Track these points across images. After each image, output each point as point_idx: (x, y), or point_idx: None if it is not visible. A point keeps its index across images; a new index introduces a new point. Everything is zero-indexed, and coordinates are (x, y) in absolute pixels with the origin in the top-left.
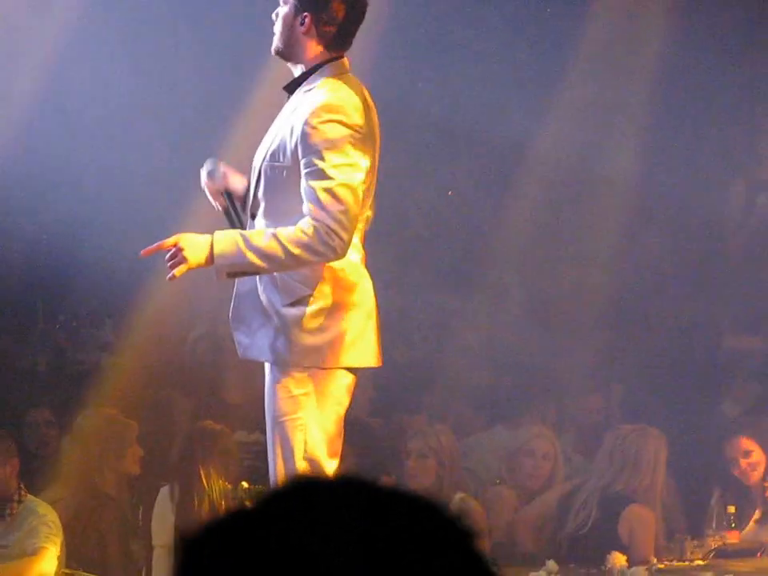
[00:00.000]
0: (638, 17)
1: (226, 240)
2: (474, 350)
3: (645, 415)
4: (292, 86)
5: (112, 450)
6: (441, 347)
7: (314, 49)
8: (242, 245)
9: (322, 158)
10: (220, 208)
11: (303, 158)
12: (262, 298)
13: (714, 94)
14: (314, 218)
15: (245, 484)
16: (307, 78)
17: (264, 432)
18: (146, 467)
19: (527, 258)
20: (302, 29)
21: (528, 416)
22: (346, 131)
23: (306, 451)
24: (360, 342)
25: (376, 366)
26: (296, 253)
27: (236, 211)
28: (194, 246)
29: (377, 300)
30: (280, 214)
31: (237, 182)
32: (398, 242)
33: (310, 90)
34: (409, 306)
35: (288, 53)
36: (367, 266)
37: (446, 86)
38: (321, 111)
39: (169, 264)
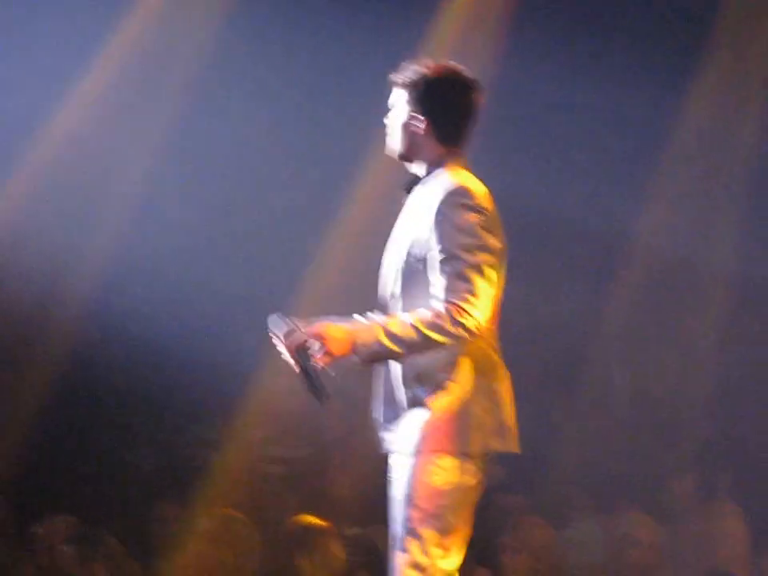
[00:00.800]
0: (733, 102)
1: (367, 330)
2: (578, 440)
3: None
4: (412, 185)
5: (232, 552)
6: (545, 441)
7: (432, 148)
8: (380, 334)
9: (451, 242)
10: (297, 368)
11: (435, 243)
12: (407, 393)
13: None
14: (445, 300)
15: None
16: (430, 173)
17: (363, 526)
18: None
19: (631, 352)
20: (420, 131)
21: (627, 504)
22: (473, 214)
23: (439, 537)
24: (501, 428)
25: (516, 452)
26: (430, 335)
27: (310, 369)
28: (338, 337)
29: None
30: (420, 307)
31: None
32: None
33: (427, 182)
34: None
35: (409, 155)
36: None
37: (543, 177)
38: (448, 197)
39: (317, 356)
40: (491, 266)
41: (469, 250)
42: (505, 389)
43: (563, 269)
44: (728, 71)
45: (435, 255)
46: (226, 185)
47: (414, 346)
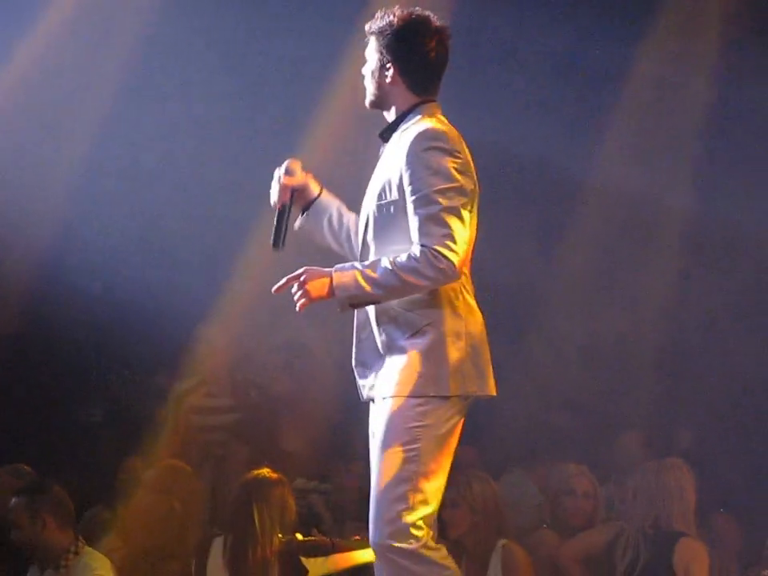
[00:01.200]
0: (687, 48)
1: (345, 273)
2: (526, 392)
3: (697, 456)
4: (387, 133)
5: (176, 502)
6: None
7: (404, 96)
8: (359, 277)
9: (426, 184)
10: (278, 206)
11: (408, 185)
12: (382, 337)
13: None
14: (421, 244)
15: (299, 536)
16: (401, 122)
17: (322, 480)
18: (213, 517)
19: (582, 306)
20: (389, 79)
21: (569, 456)
22: (447, 157)
23: (417, 481)
24: (477, 371)
25: (493, 395)
26: (408, 279)
27: (288, 214)
28: (316, 280)
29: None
30: (390, 253)
31: (312, 186)
32: None
33: (406, 129)
34: None
35: (380, 103)
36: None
37: (497, 143)
38: (422, 139)
39: (295, 298)
40: (466, 209)
41: (444, 193)
42: (481, 331)
43: (513, 221)
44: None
45: (409, 197)
46: (176, 138)
47: (393, 289)
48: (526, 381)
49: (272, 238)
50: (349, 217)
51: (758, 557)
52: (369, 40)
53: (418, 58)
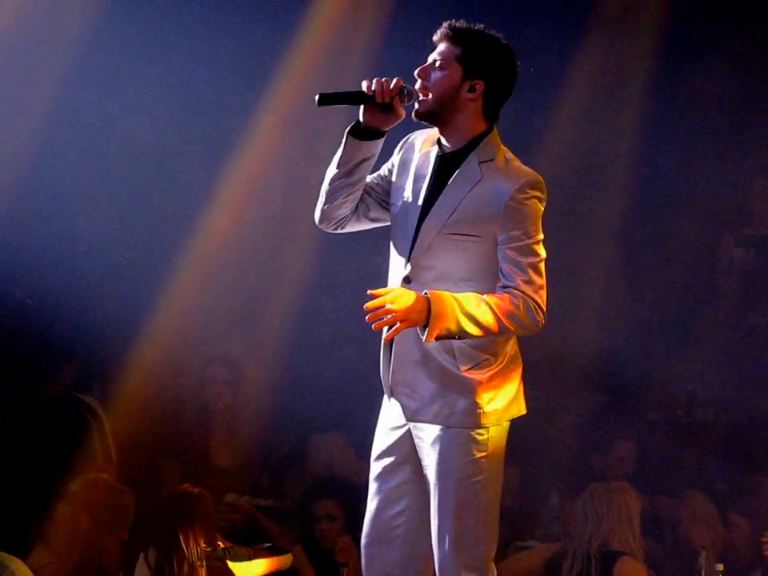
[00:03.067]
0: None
1: (443, 302)
2: None
3: (631, 474)
4: (461, 152)
5: (105, 516)
6: None
7: (475, 116)
8: (457, 309)
9: (528, 234)
10: (368, 89)
11: (508, 231)
12: (436, 364)
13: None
14: (522, 292)
15: (221, 543)
16: (479, 144)
17: (254, 496)
18: (136, 532)
19: None
20: (471, 95)
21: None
22: (541, 208)
23: (487, 511)
24: (520, 394)
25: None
26: (506, 324)
27: (359, 100)
28: (410, 305)
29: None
30: (452, 281)
31: (391, 123)
32: None
33: (488, 161)
34: None
35: (442, 117)
36: None
37: None
38: (527, 188)
39: (387, 318)
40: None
41: (540, 244)
42: (520, 360)
43: None
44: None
45: (507, 242)
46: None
47: (489, 331)
48: None
49: (329, 93)
50: (359, 186)
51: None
52: (446, 45)
53: (506, 81)
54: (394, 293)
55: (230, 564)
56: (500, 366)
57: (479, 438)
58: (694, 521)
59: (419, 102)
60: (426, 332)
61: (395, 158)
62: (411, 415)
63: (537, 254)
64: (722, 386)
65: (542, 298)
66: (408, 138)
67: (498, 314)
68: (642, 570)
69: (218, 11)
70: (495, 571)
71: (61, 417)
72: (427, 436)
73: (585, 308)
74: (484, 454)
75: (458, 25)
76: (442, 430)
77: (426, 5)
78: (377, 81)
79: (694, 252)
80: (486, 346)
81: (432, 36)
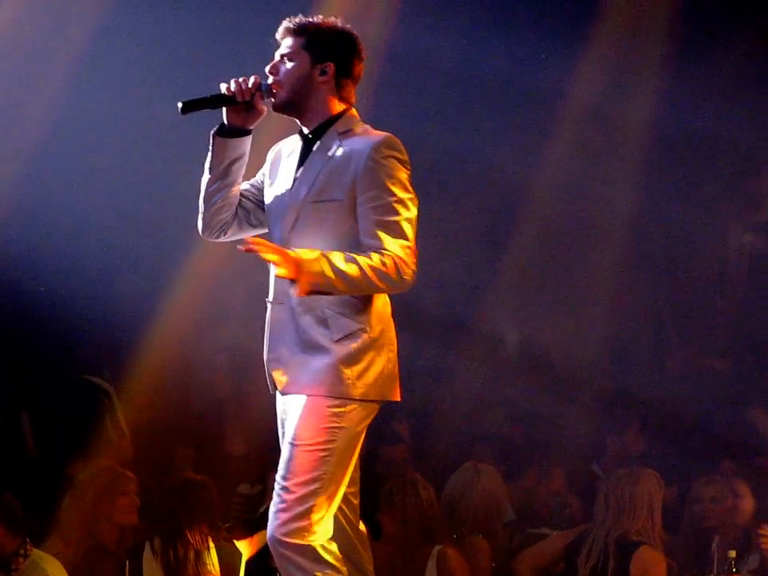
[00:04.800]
0: (627, 64)
1: (312, 257)
2: (469, 399)
3: (645, 461)
4: (317, 133)
5: (107, 502)
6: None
7: (330, 99)
8: (325, 264)
9: (387, 192)
10: (227, 91)
11: (366, 191)
12: (305, 336)
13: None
14: (386, 250)
15: (221, 524)
16: (336, 122)
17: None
18: (147, 520)
19: (524, 306)
20: (323, 78)
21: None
22: (403, 167)
23: (327, 481)
24: (393, 377)
25: (399, 400)
26: (375, 281)
27: (220, 103)
28: (288, 255)
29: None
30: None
31: (253, 120)
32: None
33: (347, 132)
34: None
35: (296, 104)
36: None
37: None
38: (382, 148)
39: (267, 255)
40: (416, 218)
41: (404, 203)
42: (395, 338)
43: (462, 220)
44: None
45: (366, 203)
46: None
47: (357, 286)
48: (465, 383)
49: (190, 100)
50: (235, 188)
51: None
52: (291, 38)
53: (352, 60)
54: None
55: (236, 543)
56: (373, 342)
57: (338, 409)
58: (709, 506)
59: (274, 96)
60: (296, 286)
61: (266, 165)
62: (281, 387)
63: (398, 212)
64: None
65: (408, 255)
66: (275, 147)
67: (366, 270)
68: (660, 560)
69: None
70: (323, 539)
71: (73, 401)
72: (292, 407)
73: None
74: (339, 425)
75: (297, 19)
76: (306, 399)
77: None
78: (235, 81)
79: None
80: (357, 315)
81: (274, 35)
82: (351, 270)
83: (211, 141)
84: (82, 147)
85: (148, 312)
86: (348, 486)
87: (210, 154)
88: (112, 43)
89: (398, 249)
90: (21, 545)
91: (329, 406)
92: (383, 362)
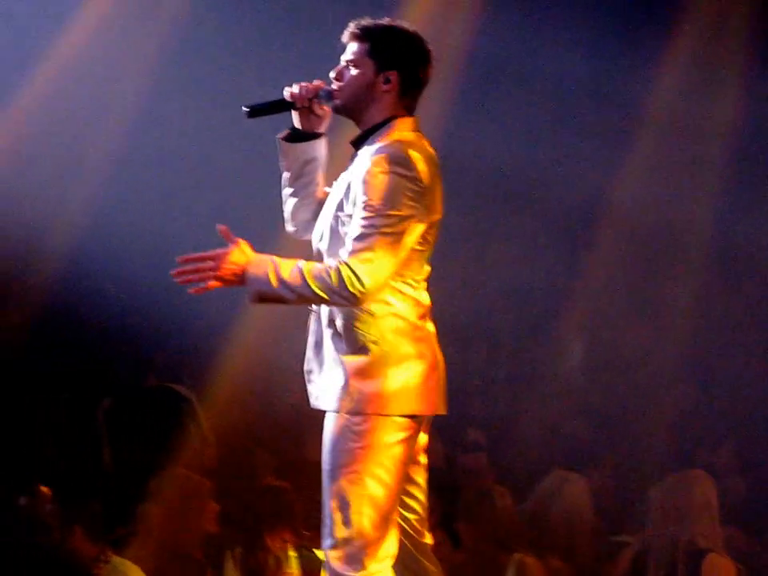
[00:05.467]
0: (708, 70)
1: (260, 265)
2: (547, 402)
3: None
4: (358, 142)
5: (188, 509)
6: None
7: (392, 108)
8: (271, 273)
9: (372, 206)
10: (289, 96)
11: (355, 202)
12: (328, 348)
13: None
14: (342, 261)
15: (306, 533)
16: (377, 131)
17: None
18: (224, 527)
19: (604, 313)
20: (386, 87)
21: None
22: (404, 183)
23: (362, 505)
24: (423, 391)
25: (438, 413)
26: (316, 291)
27: (284, 109)
28: (232, 264)
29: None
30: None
31: (324, 124)
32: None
33: (373, 143)
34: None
35: (354, 110)
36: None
37: (526, 144)
38: (383, 161)
39: (202, 274)
40: (406, 237)
41: (386, 217)
42: (430, 352)
43: (541, 233)
44: (702, 41)
45: (355, 213)
46: (204, 136)
47: (300, 296)
48: (547, 391)
49: (255, 104)
50: (312, 189)
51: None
52: (356, 43)
53: (418, 68)
54: (216, 251)
55: (316, 551)
56: (388, 356)
57: (356, 427)
58: None
59: (335, 102)
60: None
61: None
62: (313, 402)
63: (374, 226)
64: None
65: (365, 269)
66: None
67: (308, 279)
68: (730, 567)
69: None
70: (373, 568)
71: (154, 409)
72: (325, 423)
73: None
74: (360, 444)
75: (363, 22)
76: (329, 414)
77: None
78: (296, 86)
79: None
80: (370, 330)
81: (341, 38)
82: (294, 278)
83: (278, 145)
84: (162, 160)
85: (226, 319)
86: (408, 498)
87: (280, 157)
88: (183, 60)
89: (354, 260)
90: (101, 551)
91: (345, 424)
92: (404, 375)
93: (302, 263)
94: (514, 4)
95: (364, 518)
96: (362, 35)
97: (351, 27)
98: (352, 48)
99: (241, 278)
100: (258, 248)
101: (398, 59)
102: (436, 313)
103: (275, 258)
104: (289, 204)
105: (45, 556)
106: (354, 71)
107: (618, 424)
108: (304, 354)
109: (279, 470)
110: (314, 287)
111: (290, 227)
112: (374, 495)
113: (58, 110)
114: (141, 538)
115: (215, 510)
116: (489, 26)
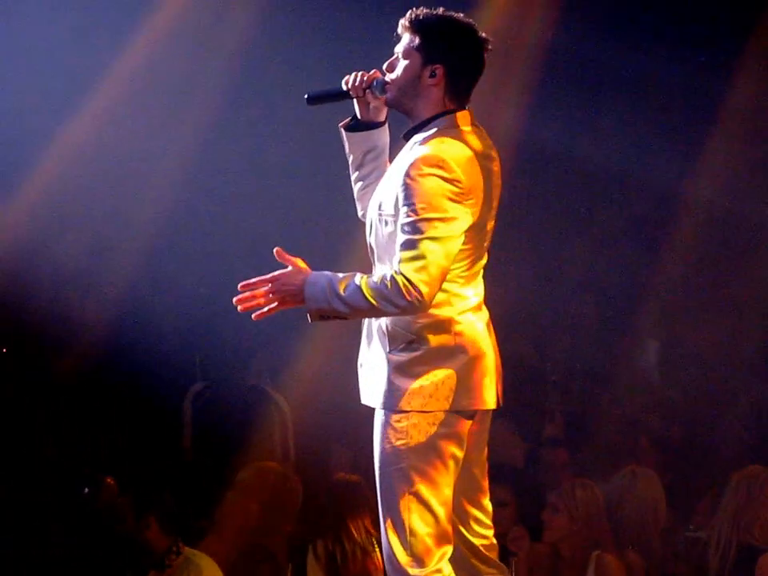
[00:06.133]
0: None
1: (317, 283)
2: (627, 401)
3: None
4: (408, 135)
5: (274, 504)
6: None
7: (441, 102)
8: (328, 291)
9: (414, 211)
10: (346, 85)
11: (399, 208)
12: (374, 347)
13: None
14: (396, 270)
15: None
16: (424, 127)
17: None
18: (303, 522)
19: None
20: (432, 80)
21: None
22: (443, 185)
23: (410, 502)
24: (469, 385)
25: (484, 408)
26: (375, 303)
27: (341, 98)
28: (290, 286)
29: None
30: (385, 262)
31: (382, 114)
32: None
33: (417, 142)
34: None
35: (405, 103)
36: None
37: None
38: (420, 163)
39: (261, 300)
40: (453, 239)
41: (430, 222)
42: (475, 345)
43: (620, 226)
44: None
45: (399, 219)
46: (252, 181)
47: (359, 311)
48: (622, 385)
49: (315, 92)
50: (381, 176)
51: None
52: (407, 35)
53: (468, 62)
54: (274, 274)
55: None
56: (429, 350)
57: (397, 424)
58: None
59: (386, 94)
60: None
61: None
62: (363, 398)
63: (422, 231)
64: None
65: (419, 277)
66: None
67: (366, 292)
68: None
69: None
70: (443, 564)
71: (240, 405)
72: (374, 420)
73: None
74: (404, 442)
75: (415, 13)
76: (377, 411)
77: None
78: (353, 75)
79: None
80: (409, 325)
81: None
82: (351, 293)
83: (340, 133)
84: (221, 184)
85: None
86: (465, 499)
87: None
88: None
89: (408, 269)
90: (174, 542)
91: (389, 422)
92: (447, 371)
93: (358, 277)
94: (596, 3)
95: (413, 514)
96: (412, 27)
97: (404, 19)
98: (404, 40)
99: (300, 299)
100: (316, 264)
101: (445, 52)
102: (513, 306)
103: (331, 274)
104: (355, 189)
105: (116, 545)
106: (402, 63)
107: (695, 419)
108: None
109: (354, 464)
110: (372, 301)
111: (359, 211)
112: (421, 492)
113: (125, 123)
114: (220, 530)
115: (299, 506)
116: (572, 23)
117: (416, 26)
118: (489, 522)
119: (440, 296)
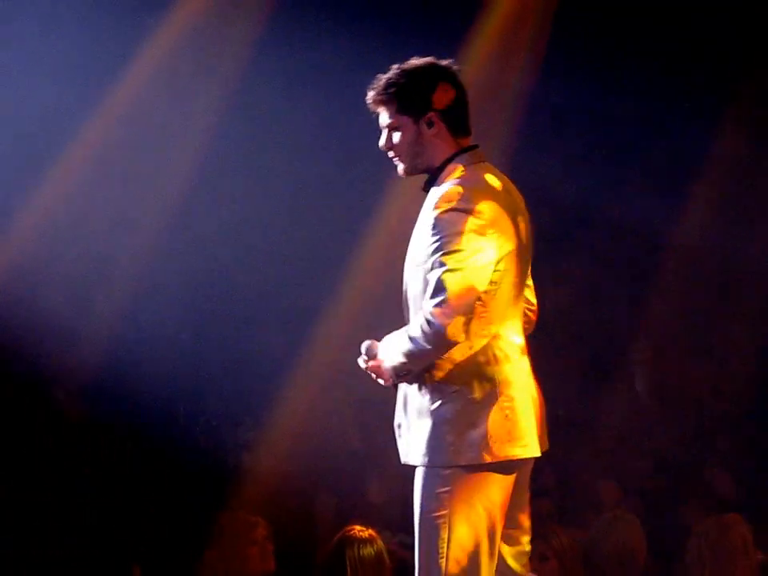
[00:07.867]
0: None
1: (385, 347)
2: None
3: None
4: (427, 185)
5: (239, 551)
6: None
7: (447, 145)
8: (392, 347)
9: (438, 249)
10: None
11: (426, 249)
12: (415, 403)
13: None
14: (425, 310)
15: None
16: (440, 173)
17: (409, 533)
18: (288, 566)
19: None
20: (433, 130)
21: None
22: (465, 216)
23: (450, 549)
24: (514, 433)
25: (531, 455)
26: (416, 347)
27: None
28: (375, 359)
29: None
30: (416, 311)
31: None
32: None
33: (436, 187)
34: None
35: (421, 164)
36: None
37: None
38: (441, 202)
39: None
40: (480, 270)
41: (451, 255)
42: (520, 391)
43: (604, 271)
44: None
45: (424, 259)
46: (249, 204)
47: (415, 356)
48: (606, 430)
49: None
50: None
51: None
52: (384, 108)
53: (455, 96)
54: (364, 352)
55: None
56: (472, 401)
57: (443, 472)
58: None
59: (400, 172)
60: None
61: None
62: (403, 458)
63: (443, 265)
64: None
65: (442, 309)
66: None
67: (410, 338)
68: None
69: None
70: None
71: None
72: (415, 478)
73: None
74: (446, 489)
75: (377, 86)
76: (419, 469)
77: None
78: (370, 373)
79: None
80: (452, 379)
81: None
82: (402, 343)
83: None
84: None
85: (285, 365)
86: (507, 545)
87: None
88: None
89: (429, 305)
90: None
91: (435, 476)
92: (492, 420)
93: (404, 330)
94: (573, 52)
95: (450, 562)
96: (383, 98)
97: (370, 97)
98: (384, 115)
99: (389, 375)
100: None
101: (427, 98)
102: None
103: (392, 337)
104: None
105: None
106: (397, 135)
107: (679, 463)
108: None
109: (340, 512)
110: (414, 343)
111: None
112: (462, 539)
113: (112, 165)
114: None
115: (269, 549)
116: (546, 70)
117: (386, 96)
118: (526, 560)
119: (481, 343)
